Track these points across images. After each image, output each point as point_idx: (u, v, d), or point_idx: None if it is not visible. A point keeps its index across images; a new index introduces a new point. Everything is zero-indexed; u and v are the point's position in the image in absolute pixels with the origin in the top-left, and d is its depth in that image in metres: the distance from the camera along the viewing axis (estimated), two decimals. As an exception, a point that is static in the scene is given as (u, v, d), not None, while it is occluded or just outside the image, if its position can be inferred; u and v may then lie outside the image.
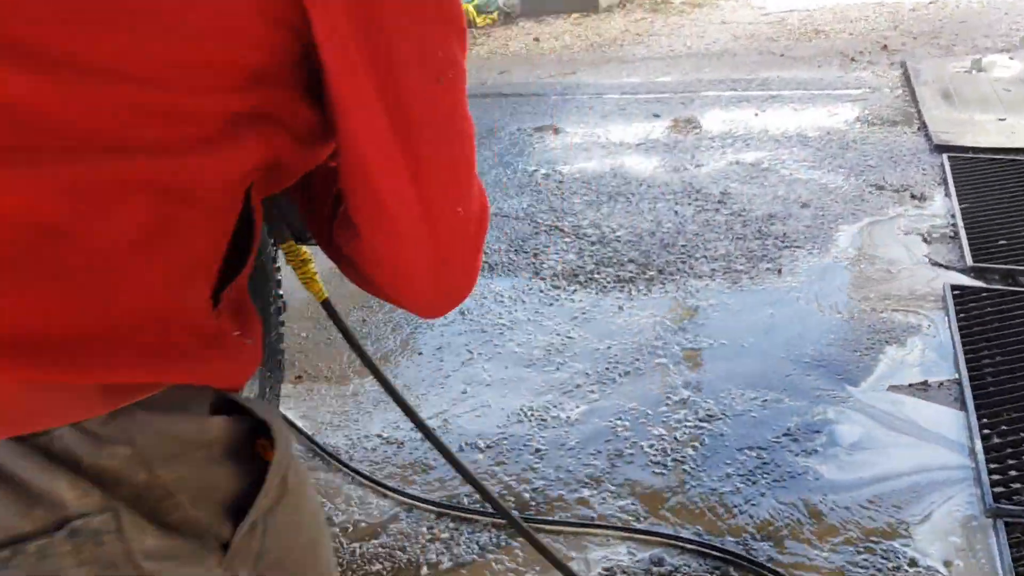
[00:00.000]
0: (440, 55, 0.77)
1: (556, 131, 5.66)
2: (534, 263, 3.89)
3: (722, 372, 3.01)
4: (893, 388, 2.86)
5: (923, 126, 5.15)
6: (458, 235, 0.85)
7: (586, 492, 2.50)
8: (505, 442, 2.74)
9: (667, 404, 2.86)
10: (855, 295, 3.43)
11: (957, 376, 2.87)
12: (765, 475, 2.52)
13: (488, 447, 2.72)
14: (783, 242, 3.90)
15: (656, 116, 5.81)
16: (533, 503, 2.48)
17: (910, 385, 2.86)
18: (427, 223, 0.83)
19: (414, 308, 0.94)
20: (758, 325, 3.30)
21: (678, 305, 3.47)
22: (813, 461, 2.56)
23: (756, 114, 5.69)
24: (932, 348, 3.04)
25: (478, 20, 8.70)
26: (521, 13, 8.99)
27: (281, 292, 2.81)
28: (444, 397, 2.99)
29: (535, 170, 4.97)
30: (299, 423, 2.90)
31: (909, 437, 2.63)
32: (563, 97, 6.39)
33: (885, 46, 7.01)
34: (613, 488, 2.51)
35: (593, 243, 4.03)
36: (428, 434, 1.72)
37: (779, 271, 3.66)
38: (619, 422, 2.79)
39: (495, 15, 8.88)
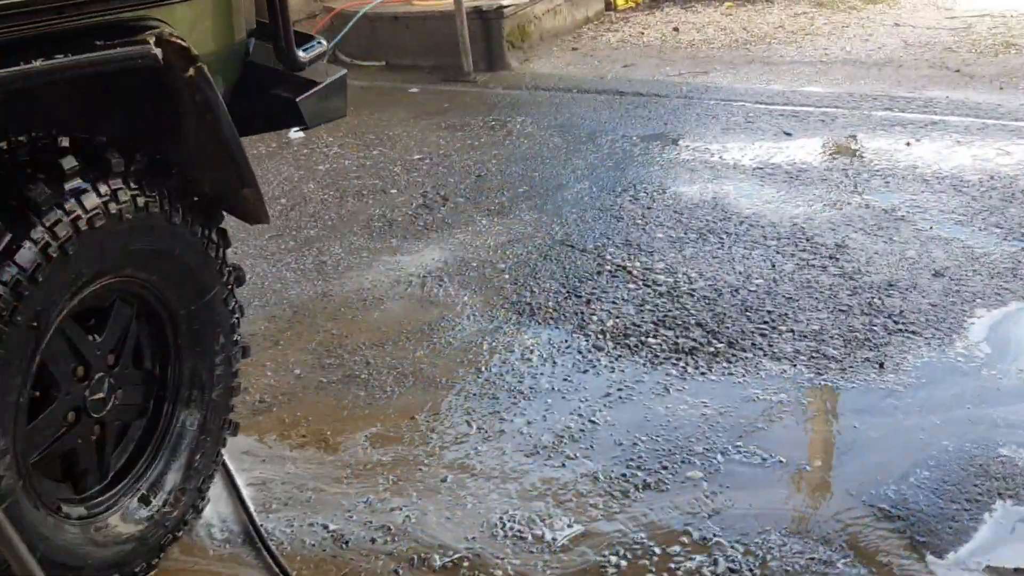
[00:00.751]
0: None
1: (667, 142, 4.97)
2: (583, 312, 3.29)
3: (764, 504, 2.35)
4: (992, 570, 2.12)
5: (1118, 181, 4.14)
6: None
7: (538, 662, 1.94)
8: (465, 564, 2.20)
9: (682, 542, 2.23)
10: (973, 415, 2.65)
11: (1090, 567, 2.09)
12: None
13: (443, 567, 2.19)
14: (896, 323, 3.13)
15: (787, 135, 5.01)
16: (468, 665, 1.94)
17: (1017, 571, 2.11)
18: None
19: None
20: (833, 441, 2.60)
21: (739, 396, 2.80)
22: (852, 672, 1.89)
23: (908, 143, 4.79)
24: (1062, 516, 2.26)
25: (619, 3, 7.99)
26: (670, -3, 8.21)
27: (238, 337, 2.37)
28: (417, 484, 2.48)
29: (623, 191, 4.33)
30: (246, 492, 2.47)
31: (998, 659, 1.90)
32: (686, 100, 5.66)
33: (1092, 69, 5.84)
34: (573, 663, 1.93)
35: (661, 294, 3.38)
36: None
37: (881, 364, 2.91)
38: (614, 559, 2.19)
39: (640, -2, 8.14)
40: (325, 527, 2.33)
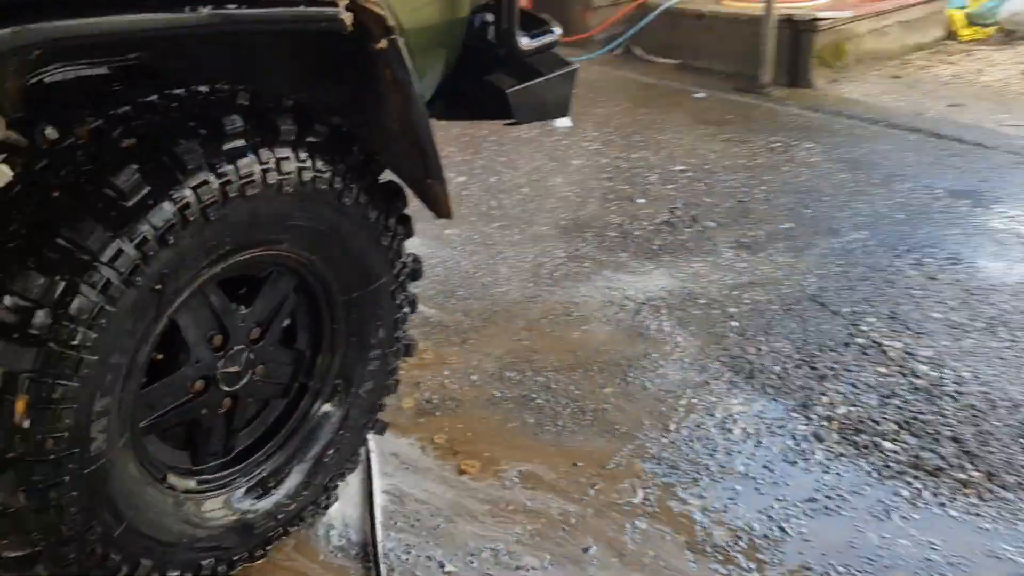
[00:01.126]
0: None
1: (978, 203, 4.18)
2: (812, 389, 2.77)
3: None
4: None
5: None
6: None
7: None
8: (575, 663, 1.86)
9: None
10: None
11: None
12: None
13: (549, 658, 1.87)
14: None
15: None
16: None
17: None
18: None
19: None
20: (1103, 650, 1.94)
21: (981, 547, 2.18)
22: None
23: None
24: None
25: (963, 33, 6.95)
26: (1030, 33, 7.03)
27: (401, 334, 2.18)
28: (555, 546, 2.15)
29: (907, 251, 3.66)
30: (379, 500, 2.28)
31: None
32: (1017, 157, 4.75)
33: None
34: None
35: (916, 389, 2.77)
36: None
37: None
38: None
39: (990, 30, 7.03)
40: (441, 566, 2.09)
